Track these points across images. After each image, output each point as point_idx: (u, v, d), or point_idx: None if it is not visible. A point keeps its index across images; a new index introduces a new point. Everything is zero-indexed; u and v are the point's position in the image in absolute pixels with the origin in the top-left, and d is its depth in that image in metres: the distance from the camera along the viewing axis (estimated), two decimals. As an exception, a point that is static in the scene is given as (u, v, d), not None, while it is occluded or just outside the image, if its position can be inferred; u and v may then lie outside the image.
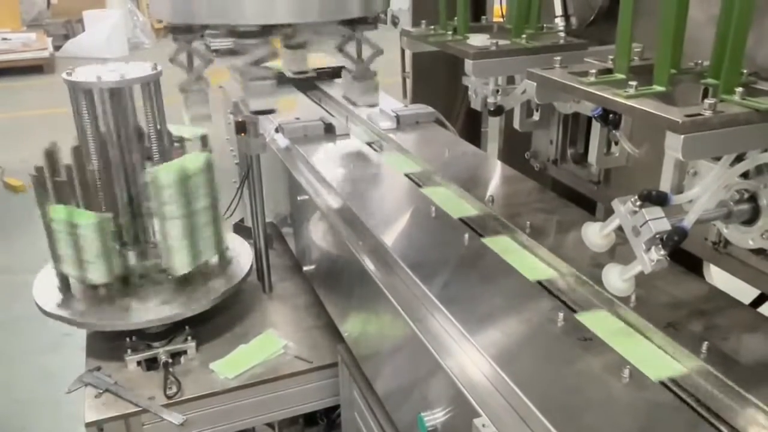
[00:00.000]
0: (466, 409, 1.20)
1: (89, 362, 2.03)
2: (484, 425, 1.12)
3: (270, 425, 2.25)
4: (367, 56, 2.22)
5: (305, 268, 2.21)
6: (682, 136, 1.03)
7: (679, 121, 1.03)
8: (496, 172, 2.14)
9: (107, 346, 2.06)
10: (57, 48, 10.49)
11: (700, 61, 1.33)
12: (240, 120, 2.16)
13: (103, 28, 10.61)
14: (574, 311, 1.39)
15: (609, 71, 1.30)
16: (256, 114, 2.05)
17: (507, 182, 2.04)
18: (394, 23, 3.02)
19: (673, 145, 1.04)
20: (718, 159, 1.23)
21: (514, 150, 2.38)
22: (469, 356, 1.29)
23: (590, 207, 2.00)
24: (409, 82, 3.28)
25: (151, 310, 1.98)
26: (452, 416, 1.29)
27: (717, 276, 1.76)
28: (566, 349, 1.27)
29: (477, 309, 1.41)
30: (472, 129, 3.16)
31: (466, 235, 1.69)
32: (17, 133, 7.07)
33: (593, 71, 1.26)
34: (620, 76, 1.25)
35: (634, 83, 1.16)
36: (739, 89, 1.12)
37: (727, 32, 1.12)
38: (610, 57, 1.35)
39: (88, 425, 1.82)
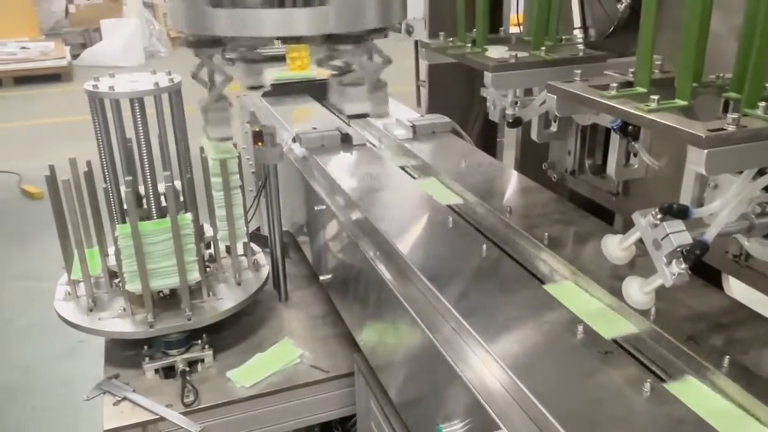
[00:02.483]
0: (485, 422, 1.20)
1: (107, 370, 2.04)
2: (504, 438, 1.12)
3: (286, 434, 2.26)
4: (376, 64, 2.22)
5: (321, 278, 2.22)
6: (706, 151, 1.02)
7: (703, 136, 1.03)
8: (513, 183, 2.14)
9: (125, 353, 2.08)
10: (75, 56, 10.61)
11: (721, 74, 1.33)
12: (257, 130, 2.17)
13: (120, 37, 10.71)
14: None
15: (629, 84, 1.30)
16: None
17: (524, 193, 2.04)
18: (409, 32, 3.03)
19: (696, 159, 1.04)
20: (740, 172, 1.23)
21: (531, 161, 2.38)
22: (488, 367, 1.29)
23: (608, 218, 1.99)
24: (424, 91, 3.29)
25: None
26: (471, 428, 1.28)
27: (736, 288, 1.75)
28: (586, 362, 1.27)
29: (495, 319, 1.41)
30: (488, 139, 3.16)
31: (484, 246, 1.69)
32: (35, 140, 7.15)
33: (614, 84, 1.26)
34: (641, 89, 1.25)
35: (655, 97, 1.16)
36: (763, 103, 1.11)
37: (750, 45, 1.12)
38: (630, 70, 1.35)
39: (106, 433, 1.84)
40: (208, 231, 2.24)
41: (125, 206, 1.97)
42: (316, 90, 3.31)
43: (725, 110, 1.21)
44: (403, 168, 2.31)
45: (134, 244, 1.91)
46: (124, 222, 2.04)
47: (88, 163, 2.04)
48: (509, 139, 3.03)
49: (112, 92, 1.99)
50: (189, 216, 2.05)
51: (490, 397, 1.23)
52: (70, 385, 3.42)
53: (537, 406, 1.14)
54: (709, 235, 1.18)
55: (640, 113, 1.15)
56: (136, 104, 2.04)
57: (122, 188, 1.98)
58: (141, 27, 11.18)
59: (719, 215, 1.21)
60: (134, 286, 1.98)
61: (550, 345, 1.32)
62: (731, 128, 1.05)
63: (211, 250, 2.28)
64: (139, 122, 2.08)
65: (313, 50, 1.96)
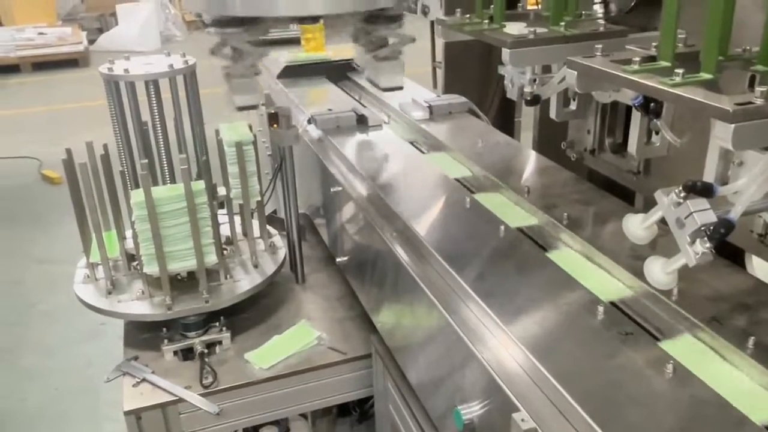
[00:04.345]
0: (504, 404, 1.19)
1: (127, 352, 2.06)
2: (523, 420, 1.11)
3: (303, 415, 2.27)
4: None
5: (338, 260, 2.21)
6: (733, 126, 0.99)
7: (730, 110, 0.99)
8: (531, 163, 2.11)
9: (144, 336, 2.10)
10: (91, 42, 10.67)
11: (748, 47, 1.28)
12: (272, 111, 2.16)
13: (136, 21, 10.74)
14: (614, 304, 1.36)
15: (653, 59, 1.26)
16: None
17: (543, 173, 2.01)
18: (425, 13, 2.98)
19: (723, 134, 1.00)
20: (767, 148, 1.19)
21: (549, 140, 2.34)
22: (507, 349, 1.28)
23: (628, 198, 1.96)
24: (440, 72, 3.26)
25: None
26: (489, 410, 1.27)
27: (759, 268, 1.71)
28: (607, 343, 1.25)
29: (513, 300, 1.39)
30: (505, 119, 3.12)
31: (502, 227, 1.67)
32: (54, 126, 7.21)
33: (636, 59, 1.22)
34: (665, 63, 1.21)
35: (680, 71, 1.12)
36: (791, 76, 1.08)
37: (778, 16, 1.08)
38: (653, 44, 1.31)
39: (126, 414, 1.85)
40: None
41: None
42: (332, 71, 3.29)
43: (752, 84, 1.17)
44: (419, 148, 2.29)
45: (148, 213, 1.88)
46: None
47: (105, 147, 2.04)
48: (527, 119, 2.99)
49: (127, 75, 1.99)
50: (202, 183, 2.02)
51: (508, 379, 1.21)
52: (91, 367, 3.48)
53: (557, 388, 1.13)
54: (735, 213, 1.15)
55: (664, 88, 1.11)
56: (151, 87, 2.04)
57: (138, 170, 1.97)
58: (157, 11, 11.20)
59: (745, 193, 1.18)
60: (152, 268, 1.99)
61: (569, 326, 1.30)
62: (759, 101, 1.01)
63: (228, 233, 2.28)
64: (155, 105, 2.08)
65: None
